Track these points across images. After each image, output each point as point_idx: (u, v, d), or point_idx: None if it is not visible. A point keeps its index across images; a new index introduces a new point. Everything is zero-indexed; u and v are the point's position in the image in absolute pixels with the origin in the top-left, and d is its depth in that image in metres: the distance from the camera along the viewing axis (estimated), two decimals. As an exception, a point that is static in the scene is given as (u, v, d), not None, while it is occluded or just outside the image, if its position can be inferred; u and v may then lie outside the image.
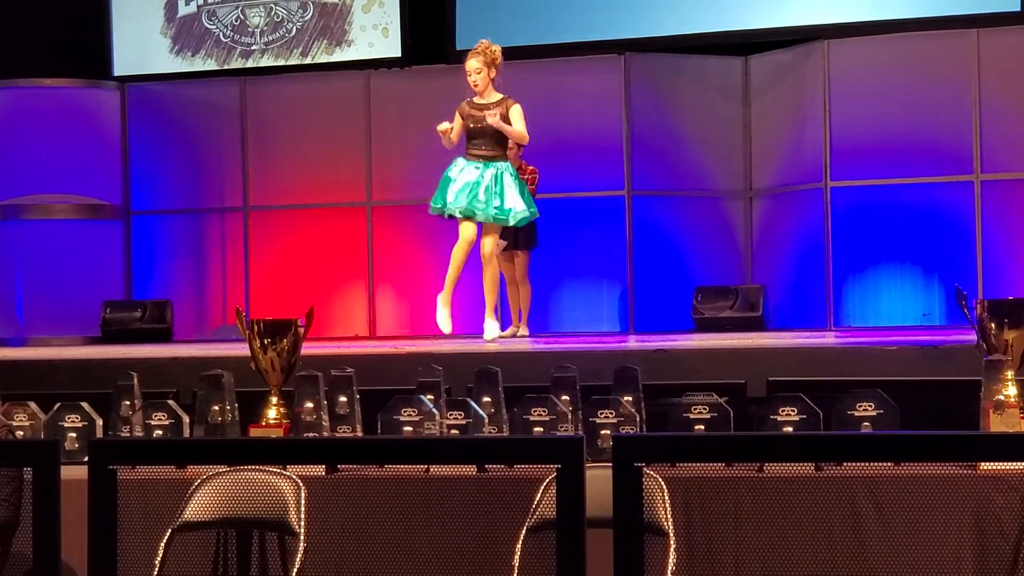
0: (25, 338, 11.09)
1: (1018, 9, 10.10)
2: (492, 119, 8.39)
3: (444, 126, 8.51)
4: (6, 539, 5.16)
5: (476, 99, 8.56)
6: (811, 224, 10.50)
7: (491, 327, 8.57)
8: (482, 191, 8.41)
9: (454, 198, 8.44)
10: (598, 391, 5.85)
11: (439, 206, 8.54)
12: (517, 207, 8.48)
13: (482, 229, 8.49)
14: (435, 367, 6.11)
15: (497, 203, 8.44)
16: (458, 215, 8.44)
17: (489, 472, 5.17)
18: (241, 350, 6.04)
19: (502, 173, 8.48)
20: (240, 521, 4.91)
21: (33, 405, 6.04)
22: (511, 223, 8.57)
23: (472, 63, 8.54)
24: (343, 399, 5.73)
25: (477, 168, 8.46)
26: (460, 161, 8.55)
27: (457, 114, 8.59)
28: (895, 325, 9.96)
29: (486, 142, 8.51)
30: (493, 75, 8.55)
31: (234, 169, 11.62)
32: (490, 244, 8.50)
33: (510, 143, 8.60)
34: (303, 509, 4.69)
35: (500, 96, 8.58)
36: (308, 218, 11.43)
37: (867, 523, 4.90)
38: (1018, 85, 10.03)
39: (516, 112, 8.53)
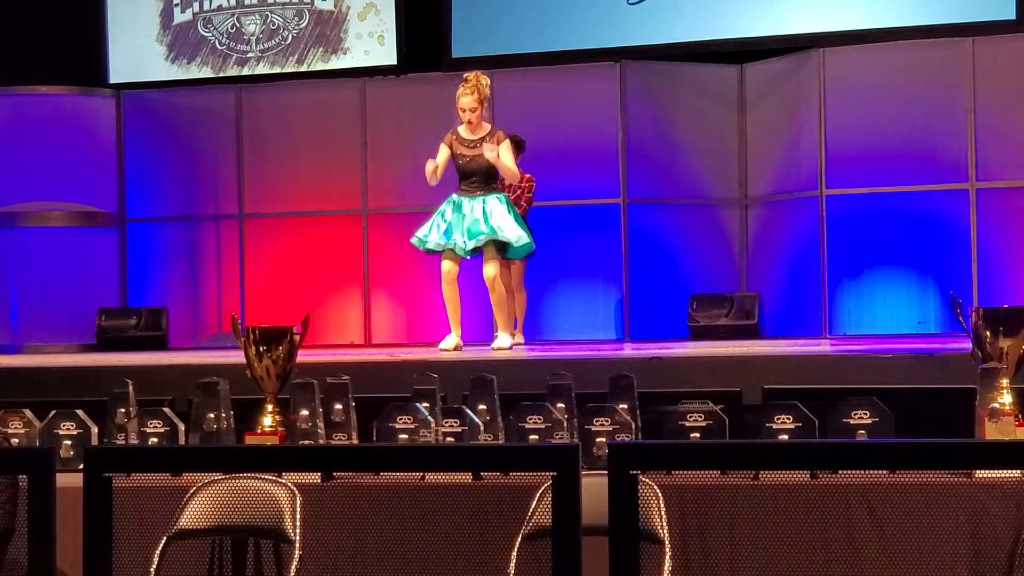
0: (20, 345, 11.09)
1: (1013, 17, 10.11)
2: (491, 154, 8.33)
3: (431, 166, 8.42)
4: (2, 547, 5.16)
5: (463, 130, 8.46)
6: (807, 232, 10.50)
7: (503, 338, 8.57)
8: (481, 223, 8.37)
9: (447, 236, 8.38)
10: (594, 399, 5.86)
11: (431, 242, 8.46)
12: (518, 238, 8.45)
13: (483, 255, 8.46)
14: (431, 375, 6.10)
15: (499, 232, 8.38)
16: (445, 247, 8.39)
17: (484, 480, 5.17)
18: (237, 357, 6.03)
19: (494, 204, 8.44)
20: (235, 529, 4.91)
21: (28, 412, 6.03)
22: (509, 253, 8.58)
23: (467, 100, 8.39)
24: (339, 407, 5.73)
25: (471, 201, 8.43)
26: (454, 199, 8.49)
27: (443, 146, 8.51)
28: (890, 333, 9.97)
29: (479, 180, 8.47)
30: (484, 108, 8.50)
31: (230, 176, 11.61)
32: (493, 268, 8.46)
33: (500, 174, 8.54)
34: (298, 517, 4.69)
35: (488, 127, 8.51)
36: (304, 225, 11.43)
37: (863, 531, 4.90)
38: (1013, 93, 10.04)
39: (505, 147, 8.46)
